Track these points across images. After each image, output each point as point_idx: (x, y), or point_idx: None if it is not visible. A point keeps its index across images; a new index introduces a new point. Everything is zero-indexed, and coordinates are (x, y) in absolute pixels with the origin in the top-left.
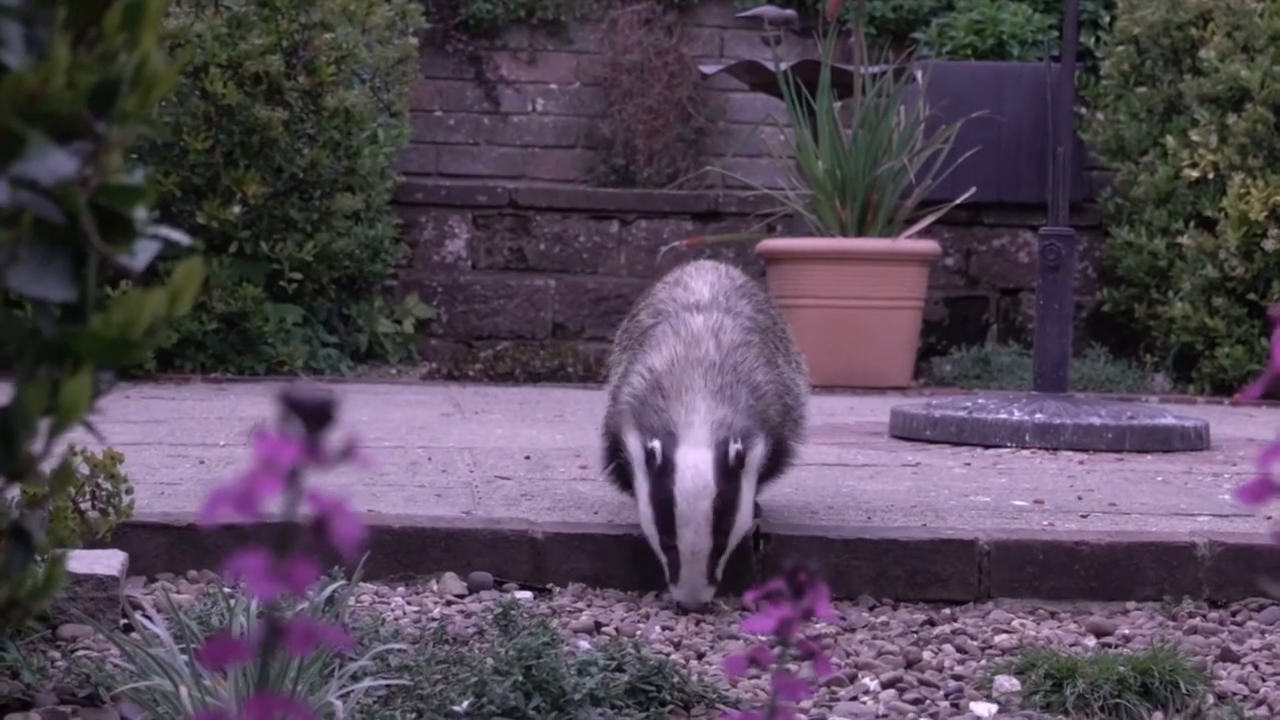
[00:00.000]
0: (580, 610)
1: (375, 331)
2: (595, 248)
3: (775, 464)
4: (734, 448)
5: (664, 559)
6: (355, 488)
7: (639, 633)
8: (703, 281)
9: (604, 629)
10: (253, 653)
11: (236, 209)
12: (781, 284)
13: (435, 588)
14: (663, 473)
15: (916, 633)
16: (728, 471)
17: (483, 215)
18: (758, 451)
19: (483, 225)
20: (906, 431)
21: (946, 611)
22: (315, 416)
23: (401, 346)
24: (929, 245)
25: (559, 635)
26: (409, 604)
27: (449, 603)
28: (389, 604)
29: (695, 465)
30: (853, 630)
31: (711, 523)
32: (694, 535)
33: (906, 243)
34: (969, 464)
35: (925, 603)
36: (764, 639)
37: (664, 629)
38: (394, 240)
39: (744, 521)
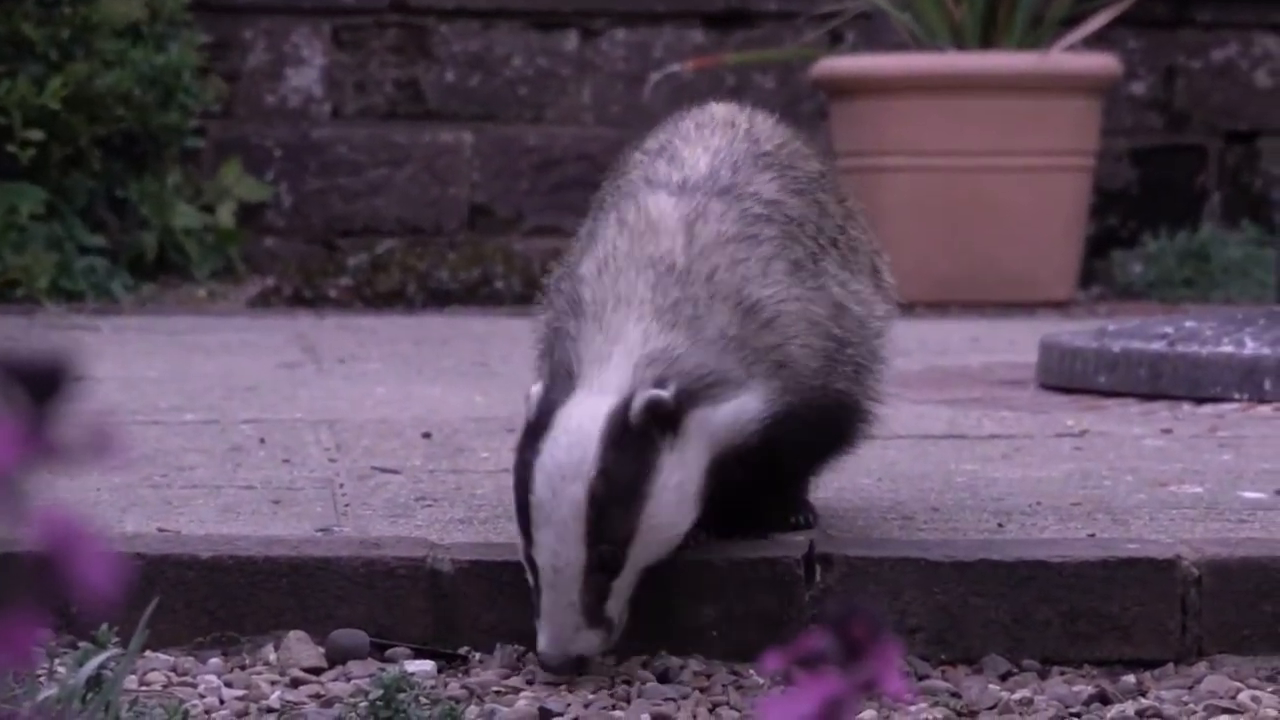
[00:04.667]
0: (517, 690)
1: (170, 226)
2: (540, 78)
3: (819, 436)
4: (646, 395)
5: (531, 580)
6: (137, 491)
7: None
8: (703, 147)
9: None
10: None
11: None
12: (854, 132)
13: (273, 658)
14: (533, 435)
15: (1079, 716)
16: (626, 435)
17: (349, 26)
18: (725, 412)
19: (349, 43)
20: (1066, 378)
21: (1129, 680)
22: (41, 388)
23: (215, 251)
24: (1103, 62)
25: None
26: (229, 685)
27: (295, 683)
28: (196, 685)
29: (575, 424)
30: (974, 714)
31: (588, 520)
32: (556, 541)
33: (1066, 58)
34: (1169, 431)
35: (1094, 665)
36: None
37: (657, 719)
38: (200, 71)
39: (664, 522)
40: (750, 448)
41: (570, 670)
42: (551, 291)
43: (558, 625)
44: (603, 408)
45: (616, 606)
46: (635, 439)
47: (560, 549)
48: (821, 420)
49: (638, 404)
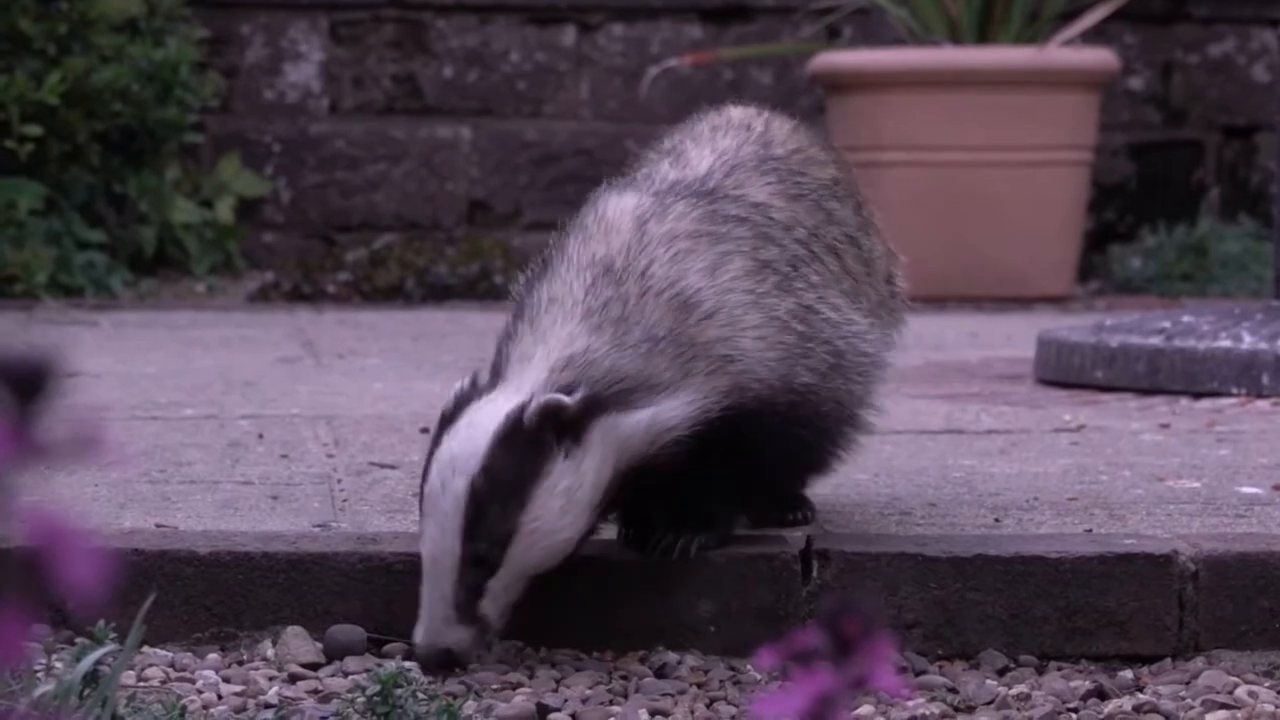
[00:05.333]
0: (515, 686)
1: (169, 222)
2: (538, 73)
3: (788, 434)
4: (543, 399)
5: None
6: (135, 487)
7: None
8: (710, 148)
9: (553, 716)
10: None
11: None
12: (852, 128)
13: (271, 654)
14: (442, 427)
15: (1076, 712)
16: (519, 436)
17: (347, 21)
18: (636, 420)
19: (347, 38)
20: (1063, 373)
21: (1126, 675)
22: (26, 387)
23: (214, 246)
24: (1100, 57)
25: None
26: (227, 681)
27: (294, 678)
28: (194, 681)
29: (476, 420)
30: (971, 709)
31: (467, 514)
32: (437, 531)
33: (1063, 53)
34: (1167, 426)
35: (1091, 660)
36: None
37: (654, 714)
38: (198, 67)
39: (546, 527)
40: (686, 452)
41: (440, 663)
42: (514, 292)
43: (430, 617)
44: (506, 407)
45: (492, 607)
46: (527, 441)
47: (439, 540)
48: (789, 417)
49: (533, 406)
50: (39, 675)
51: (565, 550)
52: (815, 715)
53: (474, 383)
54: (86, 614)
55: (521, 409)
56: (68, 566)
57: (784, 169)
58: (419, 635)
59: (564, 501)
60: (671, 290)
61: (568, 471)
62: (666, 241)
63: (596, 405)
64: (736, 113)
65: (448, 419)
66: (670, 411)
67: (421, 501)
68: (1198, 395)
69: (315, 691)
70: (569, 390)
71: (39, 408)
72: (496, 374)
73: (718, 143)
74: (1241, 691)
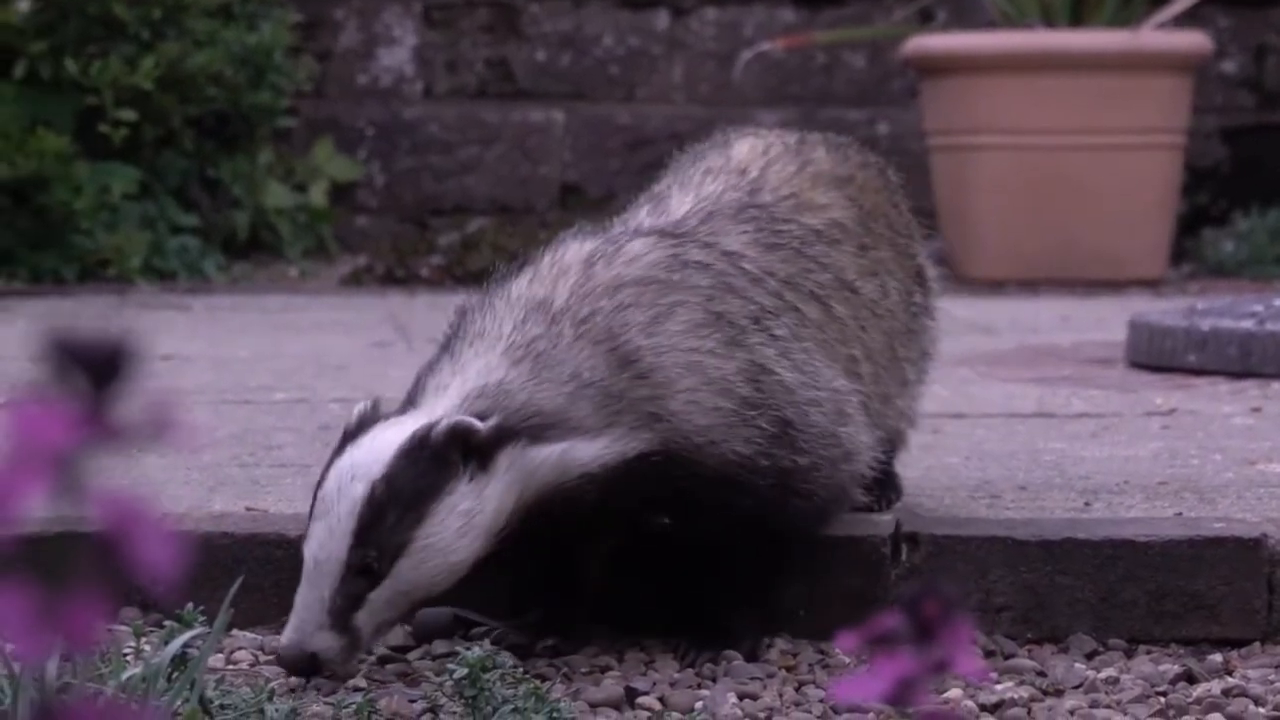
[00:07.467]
0: (603, 669)
1: (262, 206)
2: (631, 57)
3: (719, 502)
4: (453, 419)
5: None
6: (225, 470)
7: (699, 705)
8: (694, 194)
9: (641, 700)
10: None
11: (24, 4)
12: (945, 111)
13: None
14: (344, 441)
15: (1165, 695)
16: (424, 452)
17: (440, 5)
18: (547, 452)
19: (440, 22)
20: (1154, 356)
21: (1215, 658)
22: (101, 371)
23: (307, 231)
24: (1193, 40)
25: (565, 713)
26: None
27: (382, 660)
28: None
29: (382, 435)
30: (1059, 693)
31: (360, 519)
32: (325, 533)
33: (1156, 36)
34: (1258, 410)
35: (1180, 644)
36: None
37: (743, 698)
38: (292, 51)
39: (439, 544)
40: (603, 492)
41: (303, 667)
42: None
43: (301, 619)
44: (413, 426)
45: (368, 620)
46: (432, 457)
47: (326, 541)
48: (720, 476)
49: (442, 425)
50: (127, 658)
51: (455, 574)
52: (896, 698)
53: (375, 405)
54: (161, 597)
55: (430, 426)
56: (140, 550)
57: (765, 216)
58: (285, 635)
59: (462, 523)
60: (611, 343)
61: (470, 494)
62: (611, 290)
63: (507, 434)
64: (742, 152)
65: (350, 435)
66: (584, 452)
67: (313, 505)
68: None
69: (404, 674)
70: (482, 417)
71: (114, 391)
72: (409, 402)
73: (703, 188)
74: None
